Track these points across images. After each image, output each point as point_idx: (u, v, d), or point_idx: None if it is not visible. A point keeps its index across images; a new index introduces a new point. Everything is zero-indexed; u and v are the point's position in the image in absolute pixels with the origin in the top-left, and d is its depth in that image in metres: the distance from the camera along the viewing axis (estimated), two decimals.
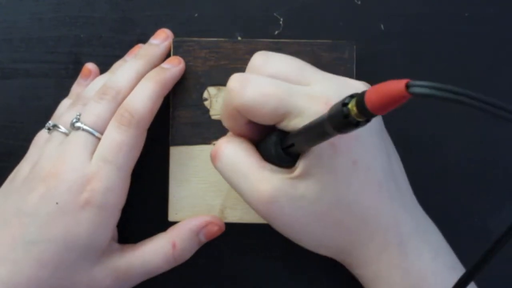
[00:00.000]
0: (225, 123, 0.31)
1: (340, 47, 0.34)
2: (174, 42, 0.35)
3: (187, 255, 0.34)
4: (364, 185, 0.29)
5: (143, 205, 0.37)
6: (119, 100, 0.33)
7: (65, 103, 0.37)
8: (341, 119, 0.22)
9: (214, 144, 0.35)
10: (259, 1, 0.38)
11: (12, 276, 0.30)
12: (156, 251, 0.33)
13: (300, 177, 0.29)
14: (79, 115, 0.33)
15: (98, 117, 0.32)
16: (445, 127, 0.38)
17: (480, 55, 0.38)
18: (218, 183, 0.35)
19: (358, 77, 0.35)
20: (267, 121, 0.29)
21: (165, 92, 0.34)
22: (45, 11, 0.38)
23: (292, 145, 0.29)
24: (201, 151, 0.35)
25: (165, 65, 0.34)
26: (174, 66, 0.34)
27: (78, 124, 0.32)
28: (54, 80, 0.37)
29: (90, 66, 0.37)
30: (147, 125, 0.33)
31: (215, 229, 0.34)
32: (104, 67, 0.37)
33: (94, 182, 0.31)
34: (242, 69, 0.34)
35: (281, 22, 0.38)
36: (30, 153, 0.35)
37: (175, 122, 0.35)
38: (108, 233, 0.32)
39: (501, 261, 0.38)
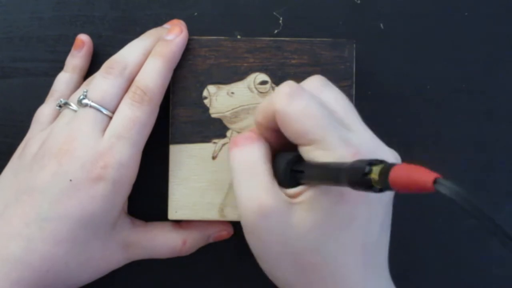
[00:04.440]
0: (257, 118, 0.31)
1: (340, 46, 0.34)
2: None
3: (193, 251, 0.36)
4: (349, 244, 0.29)
5: (143, 204, 0.37)
6: (126, 75, 0.33)
7: (61, 77, 0.37)
8: (359, 177, 0.22)
9: (214, 143, 0.35)
10: (259, 0, 0.38)
11: (26, 253, 0.30)
12: (166, 243, 0.35)
13: (301, 205, 0.29)
14: (86, 91, 0.33)
15: (105, 93, 0.32)
16: (444, 126, 0.38)
17: (480, 55, 0.38)
18: (218, 181, 0.35)
19: (358, 76, 0.35)
20: (294, 138, 0.29)
21: (174, 65, 0.34)
22: (45, 10, 0.38)
23: (302, 172, 0.29)
24: (201, 149, 0.35)
25: (168, 36, 0.34)
26: (177, 36, 0.34)
27: (85, 101, 0.32)
28: (54, 79, 0.37)
29: (83, 37, 0.37)
30: (159, 101, 0.33)
31: (225, 234, 0.36)
32: None
33: (107, 158, 0.31)
34: (241, 67, 0.35)
35: (280, 21, 0.38)
36: (34, 129, 0.35)
37: (174, 120, 0.35)
38: (119, 207, 0.33)
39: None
